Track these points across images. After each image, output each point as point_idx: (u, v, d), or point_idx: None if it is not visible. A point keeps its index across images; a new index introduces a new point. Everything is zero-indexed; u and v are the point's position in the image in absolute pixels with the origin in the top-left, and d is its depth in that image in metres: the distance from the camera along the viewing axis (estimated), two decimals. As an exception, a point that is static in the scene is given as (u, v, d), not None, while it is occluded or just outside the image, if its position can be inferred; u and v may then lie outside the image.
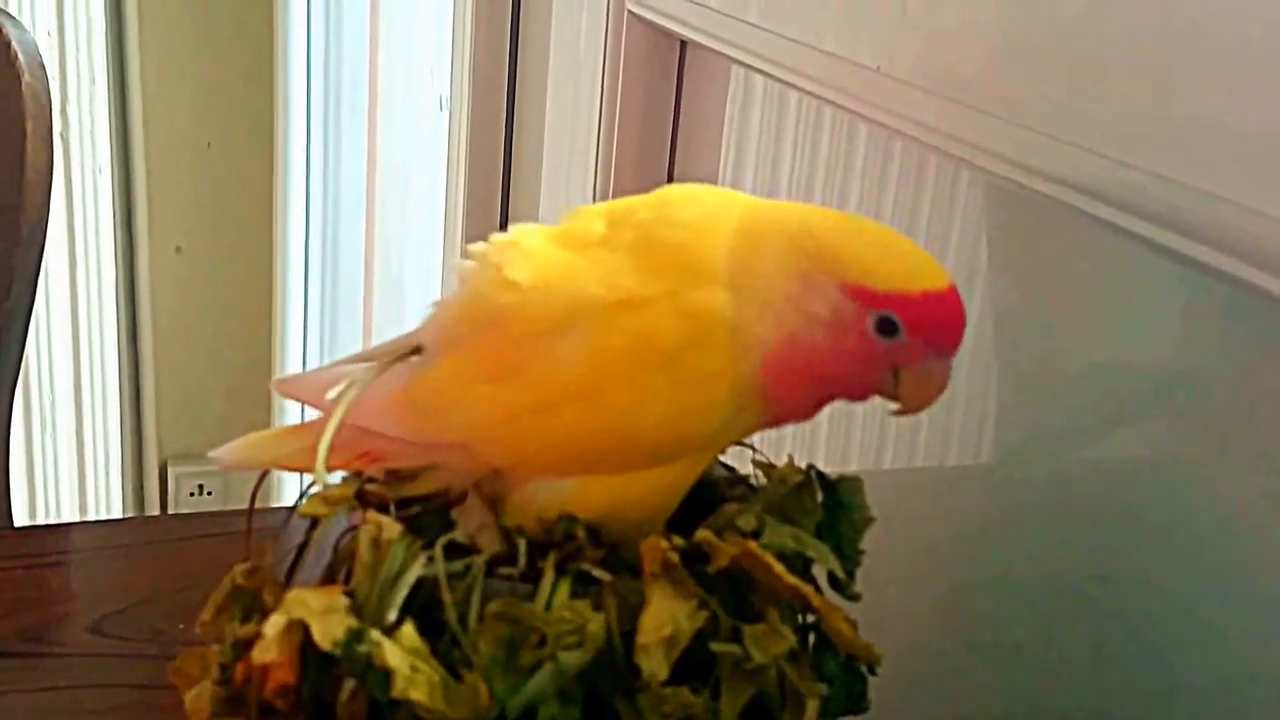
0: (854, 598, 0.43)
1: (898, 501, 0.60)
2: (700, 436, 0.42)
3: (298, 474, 0.46)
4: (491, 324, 0.42)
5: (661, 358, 0.40)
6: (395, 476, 0.45)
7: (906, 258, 0.41)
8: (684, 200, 0.44)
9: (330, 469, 0.44)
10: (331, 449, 0.43)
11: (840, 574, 0.42)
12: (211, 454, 0.46)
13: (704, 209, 0.43)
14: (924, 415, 0.60)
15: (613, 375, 0.41)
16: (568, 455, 0.42)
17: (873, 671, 0.43)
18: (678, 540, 0.40)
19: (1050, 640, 0.51)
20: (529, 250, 0.43)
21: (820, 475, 0.44)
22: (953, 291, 0.40)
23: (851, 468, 0.45)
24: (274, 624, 0.38)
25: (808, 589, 0.40)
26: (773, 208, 0.43)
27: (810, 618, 0.42)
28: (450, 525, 0.43)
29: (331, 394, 0.44)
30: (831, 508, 0.44)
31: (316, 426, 0.44)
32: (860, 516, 0.44)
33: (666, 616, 0.39)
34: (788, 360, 0.41)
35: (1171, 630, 0.46)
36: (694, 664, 0.39)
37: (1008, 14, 0.47)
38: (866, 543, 0.44)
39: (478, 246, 0.44)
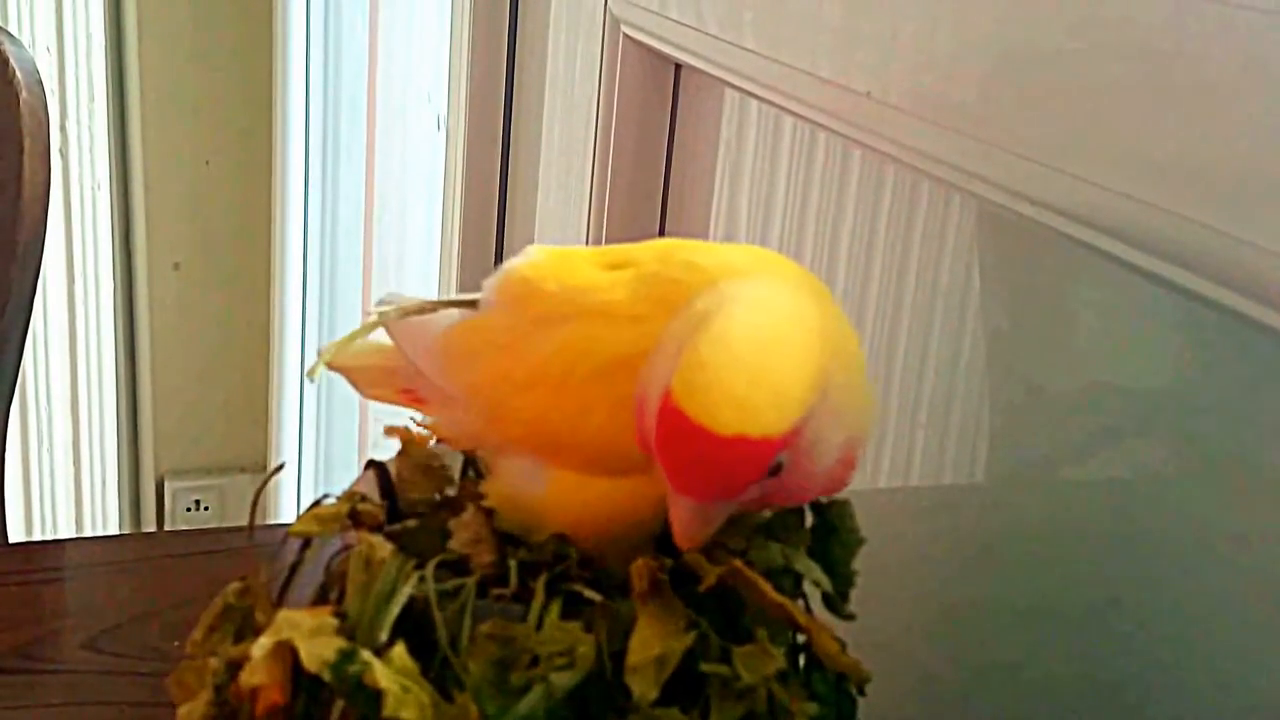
0: (848, 618, 0.44)
1: (891, 520, 0.60)
2: (640, 456, 0.41)
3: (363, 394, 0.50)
4: (510, 301, 0.45)
5: (600, 370, 0.41)
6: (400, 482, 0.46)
7: (726, 383, 0.36)
8: (711, 249, 0.44)
9: (375, 397, 0.49)
10: (378, 380, 0.48)
11: (828, 588, 0.43)
12: (322, 350, 0.48)
13: (722, 260, 0.43)
14: (918, 435, 0.60)
15: (570, 372, 0.42)
16: (531, 434, 0.43)
17: (862, 693, 0.43)
18: (666, 561, 0.40)
19: (1043, 661, 0.51)
20: (559, 257, 0.45)
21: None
22: (716, 441, 0.35)
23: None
24: (261, 646, 0.38)
25: (794, 606, 0.40)
26: (765, 281, 0.41)
27: (801, 638, 0.42)
28: (445, 539, 0.43)
29: (373, 307, 0.46)
30: (821, 530, 0.45)
31: (396, 348, 0.47)
32: (850, 539, 0.45)
33: (656, 638, 0.39)
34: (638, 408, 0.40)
35: (1164, 651, 0.46)
36: (684, 684, 0.40)
37: (997, 41, 0.48)
38: (859, 561, 0.45)
39: (531, 247, 0.46)
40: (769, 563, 0.42)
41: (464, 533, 0.43)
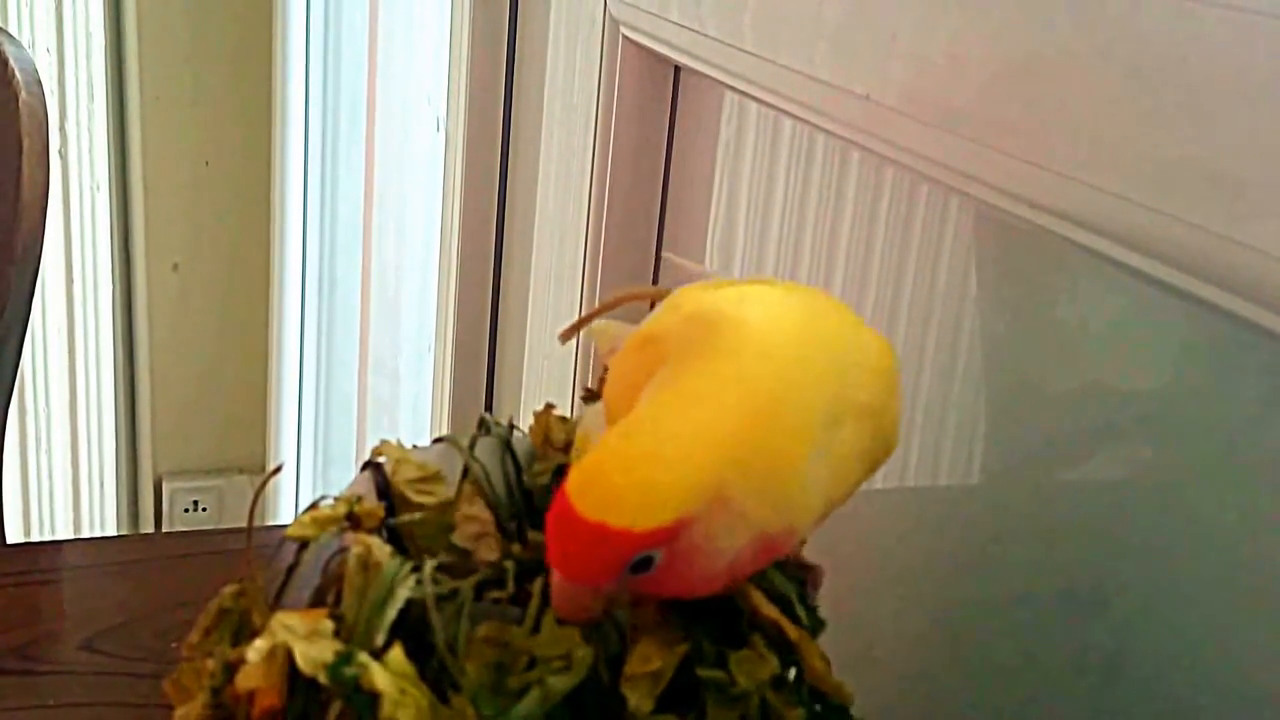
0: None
1: (888, 521, 0.60)
2: None
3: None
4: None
5: (630, 344, 0.43)
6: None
7: (606, 470, 0.37)
8: (757, 292, 0.44)
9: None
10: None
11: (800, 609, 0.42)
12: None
13: (746, 311, 0.42)
14: (914, 436, 0.60)
15: (618, 392, 0.44)
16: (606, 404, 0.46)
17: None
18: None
19: (1039, 661, 0.51)
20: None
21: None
22: (578, 522, 0.36)
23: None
24: (257, 649, 0.38)
25: (785, 621, 0.40)
26: (731, 356, 0.40)
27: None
28: (447, 533, 0.43)
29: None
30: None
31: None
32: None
33: (654, 650, 0.39)
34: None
35: (1159, 651, 0.46)
36: (680, 689, 0.40)
37: (996, 44, 0.48)
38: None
39: None
40: (770, 583, 0.42)
41: (468, 527, 0.44)
